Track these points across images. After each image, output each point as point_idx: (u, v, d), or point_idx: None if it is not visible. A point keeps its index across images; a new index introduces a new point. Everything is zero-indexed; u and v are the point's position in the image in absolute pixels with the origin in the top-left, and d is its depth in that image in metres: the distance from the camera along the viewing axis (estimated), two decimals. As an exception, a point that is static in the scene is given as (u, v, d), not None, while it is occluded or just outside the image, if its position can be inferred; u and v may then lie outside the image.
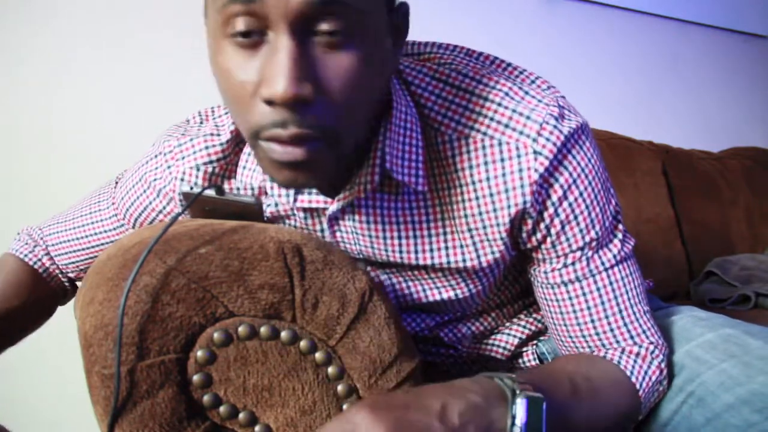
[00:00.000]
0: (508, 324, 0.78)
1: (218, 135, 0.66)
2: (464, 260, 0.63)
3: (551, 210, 0.59)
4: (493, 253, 0.63)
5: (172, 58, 1.28)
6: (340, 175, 0.60)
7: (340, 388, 0.53)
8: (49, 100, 1.24)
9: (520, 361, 0.79)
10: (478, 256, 0.63)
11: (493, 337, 0.78)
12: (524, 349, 0.79)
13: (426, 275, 0.66)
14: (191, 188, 0.61)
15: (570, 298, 0.62)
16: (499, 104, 0.58)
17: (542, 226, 0.60)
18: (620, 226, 0.65)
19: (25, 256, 0.79)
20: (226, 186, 0.67)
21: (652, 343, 0.63)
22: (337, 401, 0.52)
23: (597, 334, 0.63)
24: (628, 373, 0.60)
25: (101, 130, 1.27)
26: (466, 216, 0.61)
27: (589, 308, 0.62)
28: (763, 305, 1.33)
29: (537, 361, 0.78)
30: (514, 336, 0.77)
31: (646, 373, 0.61)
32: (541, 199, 0.58)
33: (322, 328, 0.53)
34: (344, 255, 0.57)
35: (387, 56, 0.52)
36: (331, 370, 0.52)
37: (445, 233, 0.63)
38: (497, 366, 0.78)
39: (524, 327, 0.77)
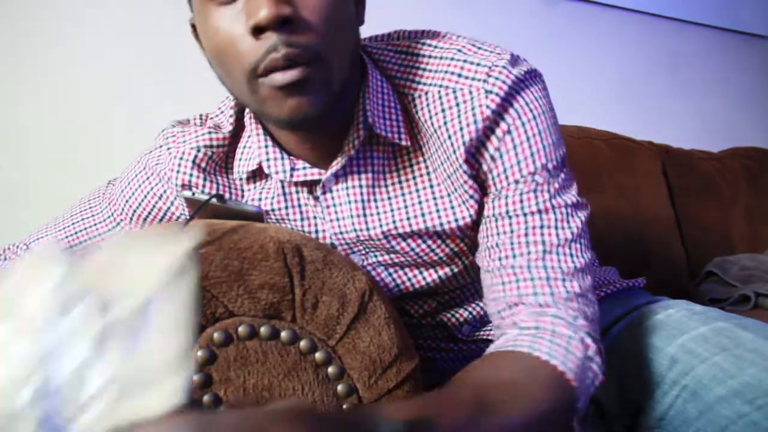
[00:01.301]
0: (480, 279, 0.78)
1: (220, 128, 0.69)
2: (456, 219, 0.64)
3: (496, 142, 0.60)
4: (468, 200, 0.63)
5: (173, 59, 1.29)
6: (333, 142, 0.63)
7: (340, 388, 0.53)
8: (49, 101, 1.24)
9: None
10: (463, 210, 0.64)
11: (484, 327, 0.78)
12: None
13: (422, 244, 0.67)
14: (193, 194, 0.61)
15: (498, 234, 0.61)
16: (452, 59, 0.62)
17: (487, 156, 0.61)
18: (564, 176, 0.62)
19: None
20: (223, 190, 0.68)
21: (575, 311, 0.57)
22: (337, 401, 0.53)
23: (515, 274, 0.59)
24: (545, 357, 0.52)
25: (102, 131, 1.27)
26: (441, 166, 0.63)
27: (512, 245, 0.59)
28: (763, 305, 1.33)
29: None
30: None
31: (567, 350, 0.53)
32: (490, 132, 0.60)
33: (322, 328, 0.53)
34: (344, 255, 0.57)
35: (351, 5, 0.58)
36: (331, 370, 0.52)
37: (432, 190, 0.65)
38: None
39: None
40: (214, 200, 0.58)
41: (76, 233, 0.77)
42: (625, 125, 1.69)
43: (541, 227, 0.59)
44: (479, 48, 0.62)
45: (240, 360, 0.50)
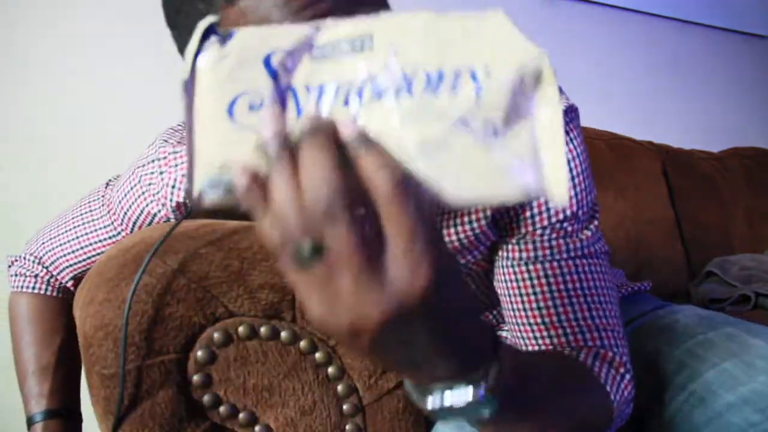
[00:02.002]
0: (505, 321, 0.78)
1: None
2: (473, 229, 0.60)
3: None
4: (476, 227, 0.60)
5: (173, 59, 1.29)
6: None
7: (340, 388, 0.53)
8: (49, 102, 1.24)
9: None
10: (469, 229, 0.61)
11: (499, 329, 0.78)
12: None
13: None
14: None
15: (530, 278, 0.57)
16: None
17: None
18: (595, 223, 0.61)
19: (35, 288, 0.80)
20: None
21: (623, 356, 0.55)
22: (337, 401, 0.52)
23: (560, 322, 0.55)
24: (602, 380, 0.51)
25: (101, 132, 1.27)
26: None
27: (551, 292, 0.56)
28: (763, 305, 1.33)
29: None
30: None
31: (619, 385, 0.53)
32: None
33: (322, 328, 0.53)
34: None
35: None
36: (331, 370, 0.52)
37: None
38: None
39: None
40: None
41: (77, 237, 0.77)
42: (625, 125, 1.69)
43: (577, 273, 0.57)
44: None
45: (240, 360, 0.50)
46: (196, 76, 0.29)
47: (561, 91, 0.60)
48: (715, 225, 1.69)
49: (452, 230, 0.61)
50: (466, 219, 0.60)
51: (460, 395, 0.32)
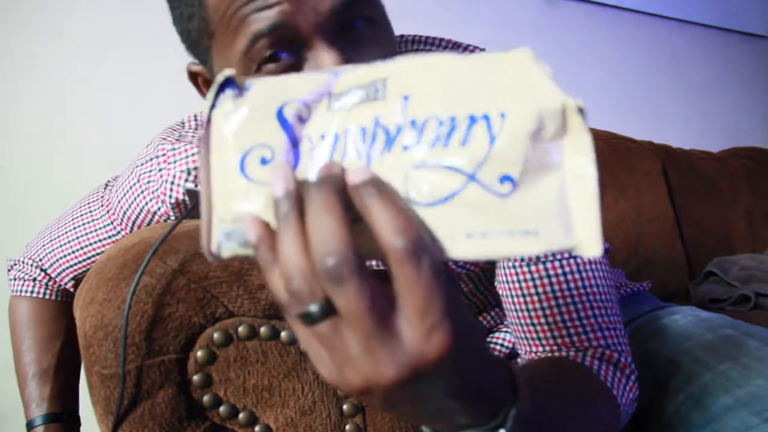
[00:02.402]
0: (507, 322, 0.78)
1: None
2: None
3: None
4: None
5: (174, 58, 1.28)
6: None
7: (340, 388, 0.53)
8: (49, 102, 1.24)
9: (519, 359, 0.79)
10: None
11: (491, 335, 0.78)
12: None
13: None
14: (196, 186, 0.61)
15: (532, 279, 0.57)
16: None
17: None
18: None
19: (34, 292, 0.80)
20: None
21: (628, 356, 0.55)
22: (337, 401, 0.52)
23: (563, 322, 0.55)
24: (609, 384, 0.52)
25: (101, 132, 1.27)
26: None
27: (554, 292, 0.56)
28: (763, 305, 1.33)
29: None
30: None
31: (625, 388, 0.53)
32: None
33: (322, 328, 0.53)
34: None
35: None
36: (331, 370, 0.52)
37: None
38: None
39: None
40: None
41: (77, 238, 0.77)
42: (625, 125, 1.69)
43: (579, 272, 0.56)
44: None
45: (240, 360, 0.50)
46: (212, 129, 0.29)
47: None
48: (715, 225, 1.69)
49: None
50: None
51: None
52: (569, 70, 1.88)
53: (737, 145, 1.97)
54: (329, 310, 0.25)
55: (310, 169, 0.27)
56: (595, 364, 0.53)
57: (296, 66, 0.46)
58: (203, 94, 0.58)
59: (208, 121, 0.29)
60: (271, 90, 0.29)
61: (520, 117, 0.25)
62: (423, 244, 0.25)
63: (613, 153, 1.57)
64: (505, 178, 0.26)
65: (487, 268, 0.66)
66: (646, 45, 2.08)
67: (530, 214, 0.25)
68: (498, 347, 0.78)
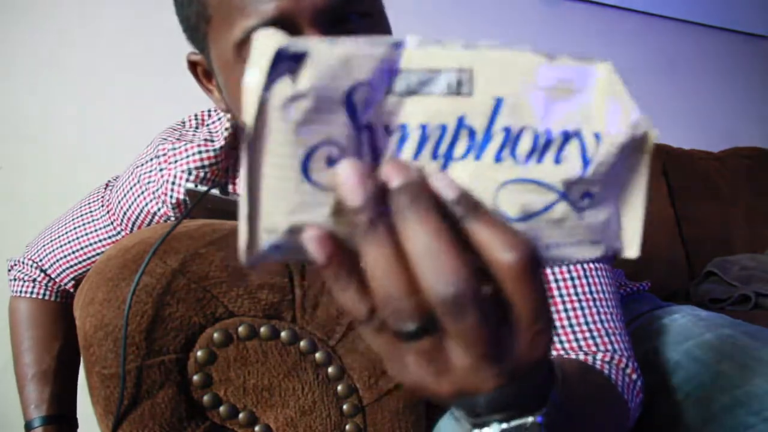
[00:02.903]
0: None
1: (212, 141, 0.67)
2: None
3: None
4: None
5: (174, 58, 1.28)
6: None
7: (340, 388, 0.53)
8: (49, 102, 1.24)
9: None
10: None
11: None
12: None
13: None
14: (196, 186, 0.61)
15: None
16: None
17: None
18: None
19: (34, 293, 0.80)
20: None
21: (634, 361, 0.56)
22: (337, 401, 0.52)
23: (570, 326, 0.55)
24: (620, 389, 0.52)
25: (101, 132, 1.27)
26: None
27: (561, 296, 0.56)
28: (763, 305, 1.33)
29: None
30: None
31: (632, 392, 0.53)
32: None
33: (322, 328, 0.53)
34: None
35: None
36: (331, 370, 0.52)
37: None
38: None
39: None
40: (215, 191, 0.58)
41: (77, 238, 0.77)
42: (625, 125, 1.69)
43: (586, 277, 0.56)
44: None
45: (240, 360, 0.50)
46: (266, 119, 0.22)
47: None
48: (715, 225, 1.69)
49: None
50: None
51: (520, 426, 0.30)
52: (569, 70, 1.88)
53: (737, 145, 1.97)
54: (433, 327, 0.23)
55: (386, 171, 0.23)
56: (605, 368, 0.53)
57: None
58: (202, 85, 0.58)
59: (261, 108, 0.22)
60: (335, 68, 0.23)
61: (613, 142, 0.25)
62: (536, 258, 0.24)
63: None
64: (587, 195, 0.26)
65: None
66: (646, 45, 2.08)
67: (599, 226, 0.26)
68: None
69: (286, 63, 0.22)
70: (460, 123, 0.24)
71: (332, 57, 0.23)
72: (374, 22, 0.48)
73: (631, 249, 0.27)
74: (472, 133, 0.24)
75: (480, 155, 0.24)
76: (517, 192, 0.24)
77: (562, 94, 0.25)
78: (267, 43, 0.22)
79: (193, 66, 0.59)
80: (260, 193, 0.23)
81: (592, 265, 0.57)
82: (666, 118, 2.10)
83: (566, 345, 0.55)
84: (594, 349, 0.54)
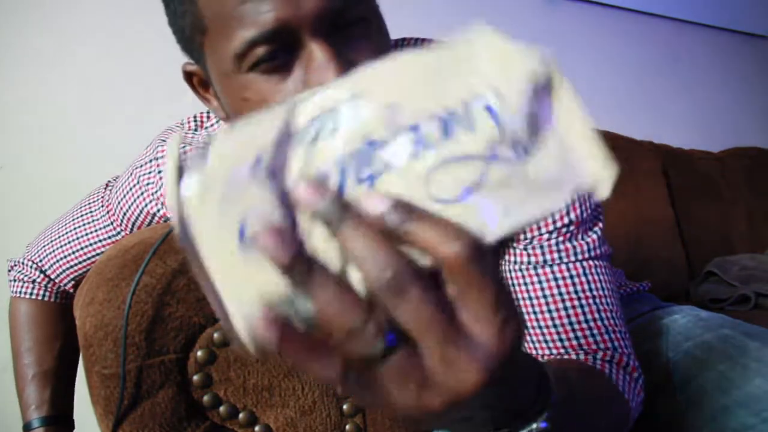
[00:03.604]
0: None
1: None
2: None
3: None
4: None
5: (174, 58, 1.29)
6: None
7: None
8: (49, 102, 1.24)
9: None
10: None
11: None
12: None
13: None
14: None
15: (540, 282, 0.56)
16: None
17: None
18: (600, 225, 0.60)
19: (34, 294, 0.80)
20: None
21: (635, 360, 0.56)
22: (337, 401, 0.52)
23: (571, 325, 0.55)
24: (620, 388, 0.52)
25: (101, 132, 1.27)
26: None
27: (561, 294, 0.56)
28: (763, 305, 1.33)
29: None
30: None
31: (634, 390, 0.53)
32: None
33: (322, 328, 0.53)
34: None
35: None
36: (331, 370, 0.52)
37: None
38: None
39: None
40: None
41: (77, 238, 0.77)
42: (625, 125, 1.69)
43: (585, 275, 0.56)
44: None
45: (240, 360, 0.50)
46: (187, 213, 0.24)
47: None
48: (715, 225, 1.69)
49: None
50: None
51: None
52: (569, 70, 1.88)
53: (737, 145, 1.97)
54: (398, 337, 0.24)
55: (299, 195, 0.24)
56: (606, 368, 0.53)
57: (289, 64, 0.46)
58: (199, 95, 0.57)
59: (181, 218, 0.24)
60: (234, 147, 0.25)
61: (515, 88, 0.26)
62: (480, 245, 0.24)
63: (613, 153, 1.56)
64: (517, 147, 0.26)
65: None
66: (646, 45, 2.08)
67: (549, 171, 0.26)
68: None
69: (192, 161, 0.24)
70: (370, 143, 0.25)
71: (231, 140, 0.25)
72: (372, 26, 0.48)
73: (601, 178, 0.26)
74: (383, 145, 0.25)
75: (400, 160, 0.25)
76: (447, 174, 0.25)
77: (448, 72, 0.26)
78: (172, 145, 0.25)
79: (188, 76, 0.58)
80: (215, 278, 0.24)
81: (591, 263, 0.57)
82: (666, 118, 2.10)
83: (566, 344, 0.55)
84: (594, 347, 0.54)
